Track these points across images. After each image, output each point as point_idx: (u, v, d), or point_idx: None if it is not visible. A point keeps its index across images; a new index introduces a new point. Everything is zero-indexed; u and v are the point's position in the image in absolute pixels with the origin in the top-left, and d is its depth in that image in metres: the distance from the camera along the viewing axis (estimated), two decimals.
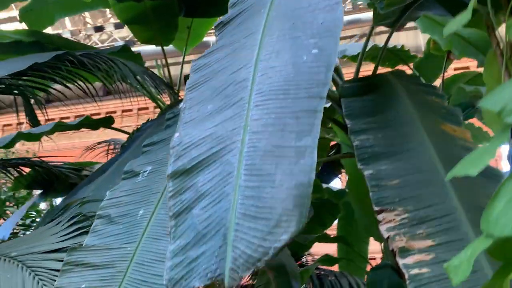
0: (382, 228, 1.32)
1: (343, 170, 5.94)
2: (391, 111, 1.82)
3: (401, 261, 1.21)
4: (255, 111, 1.06)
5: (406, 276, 1.17)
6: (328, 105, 5.34)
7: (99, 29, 12.83)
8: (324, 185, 5.26)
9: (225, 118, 1.11)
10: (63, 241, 1.85)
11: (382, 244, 3.74)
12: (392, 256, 3.01)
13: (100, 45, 13.33)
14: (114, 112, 12.63)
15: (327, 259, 3.70)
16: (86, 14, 13.16)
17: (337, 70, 2.93)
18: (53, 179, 3.42)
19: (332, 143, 5.59)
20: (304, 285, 5.18)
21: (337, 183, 6.18)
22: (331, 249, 4.76)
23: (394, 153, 1.58)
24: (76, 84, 2.78)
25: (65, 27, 13.35)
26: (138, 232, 1.53)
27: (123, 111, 13.14)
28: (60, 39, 3.51)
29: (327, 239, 3.64)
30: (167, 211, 1.00)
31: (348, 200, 4.74)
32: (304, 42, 1.19)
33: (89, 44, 13.32)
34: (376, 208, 1.38)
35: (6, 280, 1.69)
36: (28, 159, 3.20)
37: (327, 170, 5.76)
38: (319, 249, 4.78)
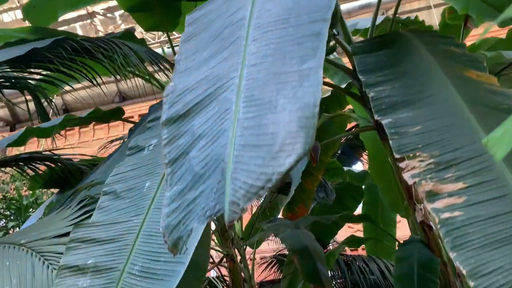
0: (406, 175, 1.19)
1: (364, 153, 5.81)
2: (407, 62, 1.69)
3: (429, 206, 1.08)
4: (253, 46, 0.96)
5: (437, 220, 1.05)
6: (344, 85, 5.20)
7: None
8: (345, 168, 5.12)
9: (222, 59, 1.00)
10: (72, 224, 1.77)
11: (410, 220, 3.59)
12: (421, 230, 2.87)
13: None
14: (132, 117, 12.71)
15: (353, 240, 3.56)
16: (97, 21, 13.27)
17: (350, 42, 2.81)
18: (68, 176, 3.37)
19: (350, 125, 5.46)
20: (331, 271, 5.05)
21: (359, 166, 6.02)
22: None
23: (413, 101, 1.45)
24: (81, 73, 2.71)
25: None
26: (145, 204, 1.44)
27: (139, 115, 13.20)
28: (66, 33, 3.46)
29: (350, 218, 3.50)
30: (175, 180, 0.90)
31: (371, 182, 4.60)
32: None
33: None
34: (397, 156, 1.26)
35: (15, 267, 1.62)
36: (40, 153, 3.15)
37: (347, 153, 5.62)
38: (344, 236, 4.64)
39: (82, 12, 13.39)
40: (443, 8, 4.59)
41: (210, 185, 0.78)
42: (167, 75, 2.77)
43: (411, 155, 1.24)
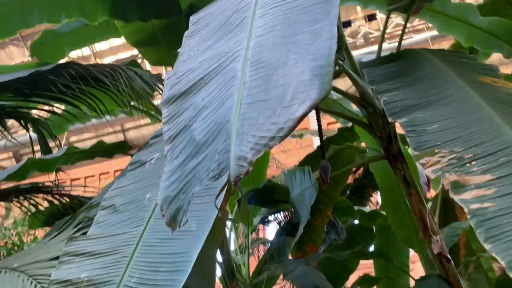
0: (428, 171, 1.10)
1: (374, 193, 5.66)
2: (420, 71, 1.64)
3: (456, 197, 0.98)
4: (260, 20, 0.90)
5: (466, 210, 0.94)
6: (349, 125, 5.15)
7: None
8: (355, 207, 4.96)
9: (226, 40, 0.95)
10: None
11: (424, 256, 3.40)
12: (438, 264, 2.70)
13: None
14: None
15: (366, 279, 3.36)
16: None
17: (356, 70, 2.78)
18: (70, 213, 3.26)
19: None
20: None
21: None
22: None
23: (429, 103, 1.38)
24: (86, 103, 2.69)
25: None
26: (145, 215, 1.34)
27: None
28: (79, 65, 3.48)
29: (363, 254, 3.33)
30: (175, 155, 0.81)
31: (382, 223, 4.44)
32: None
33: None
34: (416, 153, 1.17)
35: None
36: (43, 184, 3.04)
37: (357, 193, 5.48)
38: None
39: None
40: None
41: (214, 148, 0.70)
42: None
43: (431, 151, 1.15)
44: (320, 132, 2.05)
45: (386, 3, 2.52)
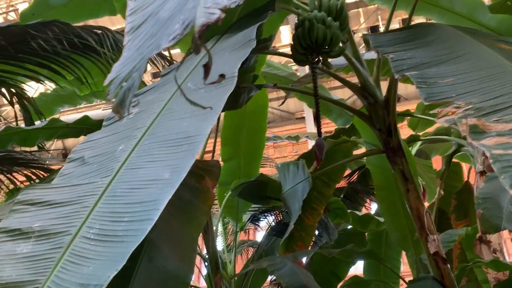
0: (440, 120, 0.95)
1: (368, 199, 5.51)
2: (430, 36, 1.49)
3: (476, 142, 0.83)
4: None
5: (488, 154, 0.79)
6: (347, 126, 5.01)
7: None
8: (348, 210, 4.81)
9: None
10: None
11: (414, 261, 3.23)
12: (433, 265, 2.53)
13: None
14: None
15: (356, 281, 3.19)
16: None
17: (359, 58, 2.65)
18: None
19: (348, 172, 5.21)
20: None
21: None
22: None
23: (441, 61, 1.23)
24: (70, 72, 2.53)
25: None
26: (114, 166, 1.18)
27: None
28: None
29: (355, 253, 3.16)
30: (135, 43, 0.65)
31: (375, 228, 4.28)
32: None
33: None
34: (426, 103, 1.02)
35: None
36: (21, 154, 2.80)
37: (350, 197, 5.33)
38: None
39: None
40: None
41: (180, 16, 0.54)
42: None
43: (444, 102, 1.00)
44: (317, 106, 1.90)
45: None
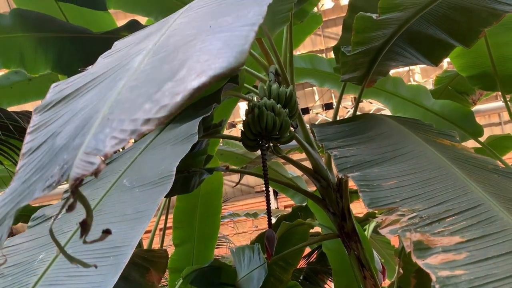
0: (384, 231, 0.89)
1: (329, 280, 5.34)
2: (373, 131, 1.49)
3: (421, 261, 0.76)
4: (180, 20, 0.72)
5: (434, 278, 0.72)
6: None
7: None
8: None
9: (143, 42, 0.75)
10: None
11: None
12: None
13: None
14: None
15: None
16: None
17: (309, 140, 2.66)
18: None
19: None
20: None
21: None
22: None
23: (385, 159, 1.20)
24: (8, 157, 2.38)
25: None
26: (29, 281, 1.03)
27: None
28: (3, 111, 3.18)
29: None
30: (26, 171, 0.55)
31: None
32: None
33: None
34: (369, 210, 0.96)
35: None
36: None
37: (310, 279, 5.15)
38: None
39: None
40: None
41: (67, 149, 0.46)
42: None
43: (388, 209, 0.95)
44: (267, 198, 1.84)
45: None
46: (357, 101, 2.60)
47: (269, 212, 1.83)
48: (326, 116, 12.34)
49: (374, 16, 1.82)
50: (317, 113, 12.51)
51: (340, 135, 1.52)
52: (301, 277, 5.17)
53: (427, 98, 3.45)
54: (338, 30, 11.99)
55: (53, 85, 0.72)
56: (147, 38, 0.76)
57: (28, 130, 0.60)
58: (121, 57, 0.70)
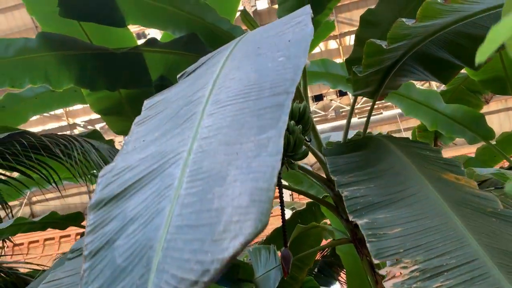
0: (387, 284, 1.01)
1: (342, 272, 5.49)
2: (382, 163, 1.59)
3: None
4: (207, 120, 0.83)
5: None
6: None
7: None
8: None
9: (172, 135, 0.87)
10: None
11: None
12: None
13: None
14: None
15: None
16: (77, 132, 13.37)
17: (321, 148, 2.76)
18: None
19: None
20: None
21: None
22: None
23: (391, 201, 1.31)
24: (37, 172, 2.54)
25: None
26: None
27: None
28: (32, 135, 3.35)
29: None
30: (91, 278, 0.68)
31: None
32: (269, 55, 1.01)
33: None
34: (376, 261, 1.08)
35: None
36: None
37: (324, 271, 5.31)
38: None
39: (63, 123, 13.58)
40: (413, 127, 4.73)
41: (131, 281, 0.58)
42: None
43: (393, 260, 1.07)
44: (283, 218, 1.96)
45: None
46: (369, 113, 2.69)
47: (284, 232, 1.95)
48: (340, 102, 12.33)
49: (383, 45, 1.89)
50: (331, 100, 12.50)
51: (351, 166, 1.63)
52: (315, 270, 5.33)
53: (439, 102, 3.52)
54: (351, 15, 11.89)
55: (101, 173, 0.85)
56: (178, 129, 0.88)
57: (87, 230, 0.72)
58: (156, 154, 0.82)
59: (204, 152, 0.73)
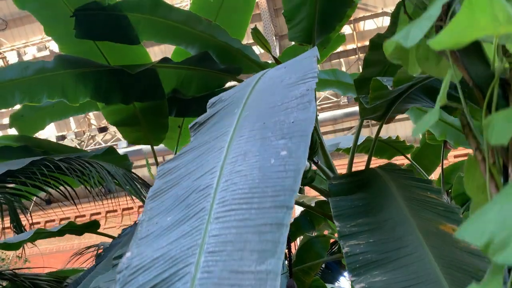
0: None
1: None
2: (383, 212, 1.68)
3: None
4: (214, 225, 0.92)
5: None
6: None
7: (102, 130, 13.12)
8: (329, 285, 4.92)
9: (182, 233, 0.96)
10: None
11: None
12: None
13: (103, 145, 13.56)
14: (99, 213, 12.47)
15: None
16: (91, 115, 13.58)
17: (330, 167, 2.84)
18: None
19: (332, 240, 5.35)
20: None
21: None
22: None
23: (387, 261, 1.40)
24: (57, 189, 2.67)
25: (70, 129, 13.72)
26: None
27: (107, 212, 12.90)
28: (48, 143, 3.48)
29: None
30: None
31: None
32: (273, 143, 1.09)
33: (93, 143, 13.53)
34: None
35: None
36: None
37: (331, 267, 5.44)
38: None
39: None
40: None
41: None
42: (142, 198, 2.74)
43: None
44: (289, 255, 2.06)
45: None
46: (375, 138, 2.75)
47: (290, 265, 2.06)
48: None
49: (389, 86, 1.94)
50: None
51: (354, 211, 1.71)
52: (322, 266, 5.46)
53: (447, 115, 3.54)
54: (366, 0, 11.71)
55: (118, 269, 0.95)
56: (186, 225, 0.97)
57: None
58: (168, 259, 0.92)
59: (209, 274, 0.83)
